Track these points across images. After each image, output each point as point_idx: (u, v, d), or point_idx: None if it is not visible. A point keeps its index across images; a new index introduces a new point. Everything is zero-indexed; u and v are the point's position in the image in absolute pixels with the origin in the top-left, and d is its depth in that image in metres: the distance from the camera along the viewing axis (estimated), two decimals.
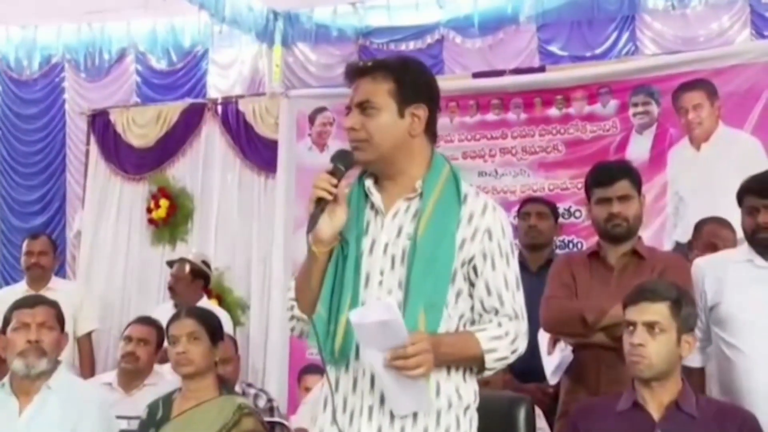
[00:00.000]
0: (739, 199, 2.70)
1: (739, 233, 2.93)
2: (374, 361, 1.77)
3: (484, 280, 1.88)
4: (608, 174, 2.88)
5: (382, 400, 1.84)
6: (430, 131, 1.96)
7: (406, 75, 1.93)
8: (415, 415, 1.83)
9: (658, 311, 2.31)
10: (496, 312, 1.89)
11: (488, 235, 1.89)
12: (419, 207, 1.88)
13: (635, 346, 2.29)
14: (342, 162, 1.90)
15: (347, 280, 1.86)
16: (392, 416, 1.83)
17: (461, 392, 1.89)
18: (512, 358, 1.90)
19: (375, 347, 1.75)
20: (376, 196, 1.93)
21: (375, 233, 1.91)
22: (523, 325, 1.90)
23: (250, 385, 3.91)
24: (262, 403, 3.68)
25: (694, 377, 2.66)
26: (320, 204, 1.85)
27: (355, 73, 1.96)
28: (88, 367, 4.66)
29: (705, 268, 2.75)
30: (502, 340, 1.86)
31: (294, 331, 2.01)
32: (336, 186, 1.86)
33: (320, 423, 1.92)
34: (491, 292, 1.89)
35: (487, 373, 1.91)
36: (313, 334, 1.85)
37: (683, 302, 2.35)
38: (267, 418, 3.37)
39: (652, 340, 2.29)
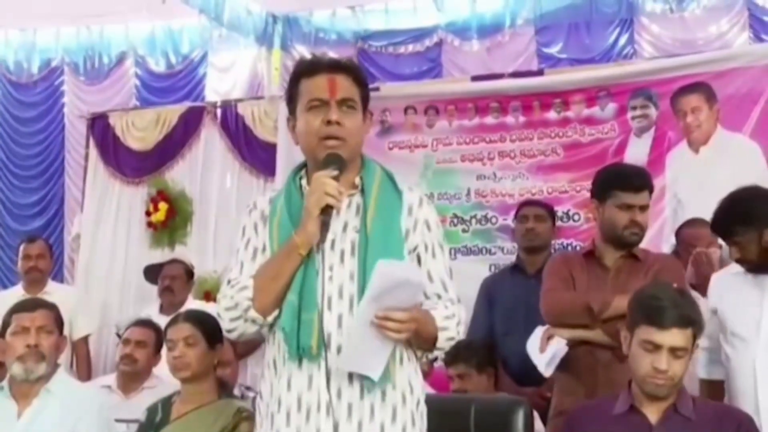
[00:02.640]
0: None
1: None
2: (362, 314, 1.80)
3: (427, 268, 1.96)
4: (638, 180, 2.85)
5: (339, 395, 1.85)
6: None
7: (365, 81, 2.03)
8: (372, 410, 1.85)
9: (686, 337, 2.26)
10: (439, 297, 1.96)
11: (427, 226, 1.98)
12: (360, 202, 1.94)
13: (660, 371, 2.25)
14: (338, 166, 1.92)
15: (298, 276, 1.88)
16: (350, 411, 1.84)
17: (413, 384, 1.93)
18: (453, 342, 1.96)
19: (380, 301, 1.78)
20: None
21: None
22: (464, 312, 1.99)
23: (248, 389, 3.92)
24: None
25: (716, 390, 2.71)
26: (328, 211, 1.87)
27: (335, 67, 1.98)
28: (84, 371, 4.66)
29: (716, 282, 2.78)
30: (452, 320, 1.94)
31: (232, 333, 1.96)
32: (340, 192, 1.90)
33: (276, 425, 1.90)
34: (434, 279, 1.96)
35: (436, 353, 1.97)
36: (279, 332, 1.88)
37: (701, 323, 2.33)
38: None
39: (675, 363, 2.26)
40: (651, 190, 2.88)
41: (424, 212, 1.98)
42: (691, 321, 2.29)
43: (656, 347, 2.26)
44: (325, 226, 1.86)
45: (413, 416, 1.90)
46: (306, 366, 1.87)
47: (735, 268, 2.79)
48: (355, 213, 1.94)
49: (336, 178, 1.88)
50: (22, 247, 4.75)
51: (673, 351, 2.26)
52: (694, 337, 2.30)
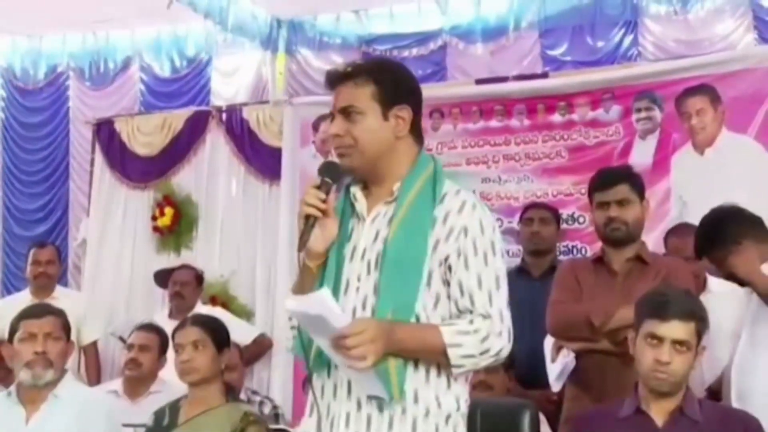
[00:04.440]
0: None
1: None
2: (323, 346, 1.76)
3: (458, 279, 1.82)
4: (607, 178, 2.91)
5: (359, 406, 1.83)
6: (416, 132, 1.94)
7: (387, 77, 1.91)
8: (390, 422, 1.81)
9: (688, 331, 2.28)
10: (470, 312, 1.82)
11: (464, 233, 1.83)
12: (394, 210, 1.86)
13: (662, 363, 2.27)
14: (329, 174, 1.87)
15: (326, 287, 1.84)
16: (369, 422, 1.81)
17: (441, 400, 1.84)
18: (485, 359, 1.81)
19: (316, 335, 1.75)
20: (360, 203, 1.92)
21: (356, 239, 1.89)
22: (499, 326, 1.81)
23: (255, 393, 3.93)
24: (267, 410, 3.70)
25: None
26: (309, 220, 1.83)
27: (335, 79, 1.93)
28: (94, 376, 4.68)
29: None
30: (470, 336, 1.78)
31: (290, 342, 1.97)
32: (325, 201, 1.84)
33: (306, 427, 1.92)
34: (464, 292, 1.82)
35: (456, 371, 1.81)
36: (297, 342, 1.85)
37: (706, 319, 2.34)
38: (272, 425, 3.38)
39: (677, 357, 2.27)
40: (634, 184, 2.87)
41: (463, 218, 1.84)
42: (694, 315, 2.31)
43: (659, 340, 2.28)
44: (304, 235, 1.83)
45: (437, 429, 1.83)
46: (333, 376, 1.87)
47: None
48: (388, 222, 1.86)
49: (320, 187, 1.84)
50: (31, 252, 4.75)
51: (675, 344, 2.27)
52: (698, 334, 2.31)
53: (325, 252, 1.89)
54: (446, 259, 1.83)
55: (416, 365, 1.83)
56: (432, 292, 1.84)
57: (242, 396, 3.68)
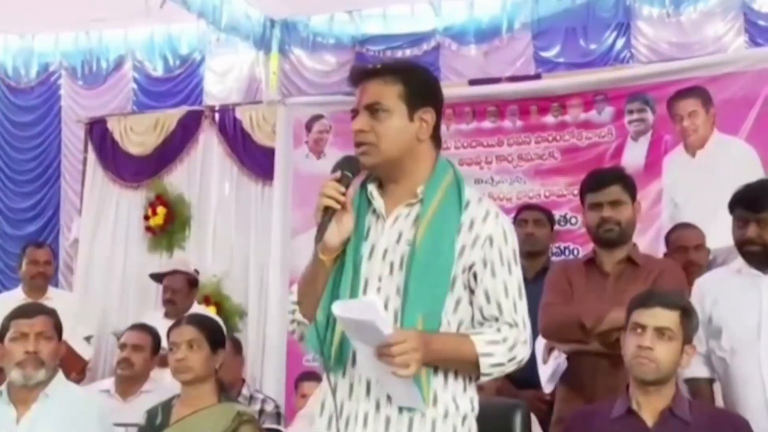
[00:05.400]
0: (730, 208, 2.71)
1: (727, 242, 2.94)
2: (364, 353, 1.77)
3: (484, 287, 1.85)
4: (599, 179, 2.91)
5: (377, 407, 1.83)
6: (437, 136, 1.94)
7: (414, 78, 1.91)
8: (410, 423, 1.82)
9: (670, 318, 2.32)
10: (496, 320, 1.85)
11: (489, 242, 1.85)
12: (419, 212, 1.86)
13: (644, 348, 2.30)
14: (349, 169, 1.86)
15: (344, 286, 1.85)
16: (387, 423, 1.82)
17: (458, 402, 1.86)
18: (510, 367, 1.86)
19: (360, 341, 1.76)
20: (378, 201, 1.91)
21: (375, 238, 1.89)
22: (524, 334, 1.86)
23: (257, 391, 3.93)
24: (270, 408, 3.71)
25: (703, 389, 2.69)
26: (328, 212, 1.82)
27: (362, 75, 1.93)
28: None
29: (703, 285, 2.76)
30: (499, 345, 1.83)
31: (294, 334, 2.00)
32: (344, 194, 1.83)
33: (317, 427, 1.91)
34: (490, 300, 1.85)
35: (483, 379, 1.87)
36: (312, 339, 1.85)
37: (691, 313, 2.38)
38: (274, 425, 3.39)
39: (660, 345, 2.30)
40: (625, 185, 2.87)
41: (488, 227, 1.86)
42: (677, 305, 2.35)
43: (642, 328, 2.32)
44: (322, 227, 1.82)
45: (455, 430, 1.85)
46: (348, 374, 1.87)
47: (723, 270, 2.80)
48: (412, 224, 1.86)
49: (341, 181, 1.84)
50: (28, 251, 4.68)
51: (658, 331, 2.30)
52: (683, 324, 2.33)
53: (340, 246, 1.88)
54: (471, 267, 1.85)
55: (435, 370, 1.84)
56: (454, 295, 1.86)
57: (245, 392, 3.69)
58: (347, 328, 1.76)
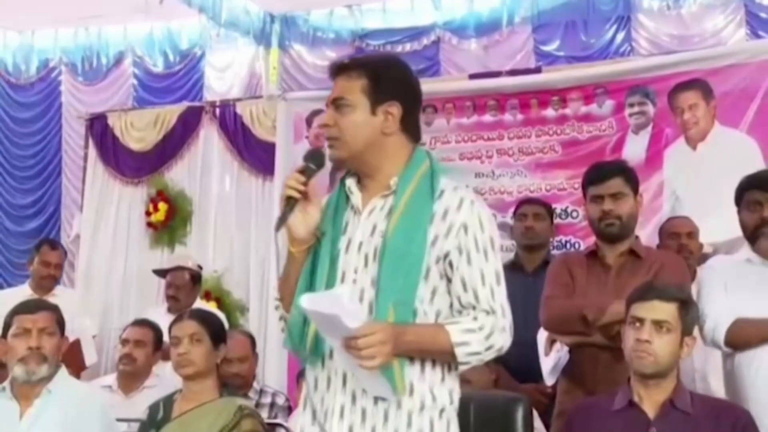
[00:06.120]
0: (739, 195, 2.71)
1: (729, 234, 2.94)
2: (334, 345, 1.78)
3: (460, 275, 1.83)
4: (601, 172, 2.90)
5: (354, 399, 1.83)
6: (410, 129, 1.94)
7: (381, 72, 1.91)
8: (386, 415, 1.81)
9: (668, 311, 2.32)
10: (474, 308, 1.84)
11: (464, 229, 1.84)
12: (392, 204, 1.86)
13: (642, 342, 2.30)
14: (313, 161, 1.90)
15: (320, 279, 1.86)
16: (363, 415, 1.82)
17: (435, 393, 1.85)
18: (489, 355, 1.84)
19: (328, 334, 1.76)
20: (355, 195, 1.92)
21: (351, 232, 1.90)
22: (502, 321, 1.84)
23: (267, 386, 3.95)
24: (281, 401, 3.73)
25: None
26: (290, 203, 1.85)
27: (333, 71, 1.96)
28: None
29: (718, 266, 2.77)
30: (475, 333, 1.81)
31: (284, 331, 1.99)
32: (305, 184, 1.86)
33: (301, 422, 1.92)
34: (467, 288, 1.84)
35: (462, 368, 1.86)
36: (289, 333, 1.87)
37: (690, 305, 2.38)
38: (286, 418, 3.40)
39: (659, 338, 2.30)
40: (627, 178, 2.86)
41: (463, 215, 1.85)
42: (674, 297, 2.35)
43: (640, 321, 2.32)
44: (282, 217, 1.85)
45: (432, 423, 1.83)
46: (327, 367, 1.87)
47: (735, 257, 2.80)
48: (386, 216, 1.86)
49: (304, 172, 1.87)
50: (43, 250, 4.63)
51: (656, 324, 2.30)
52: (682, 317, 2.33)
53: (309, 237, 1.90)
54: (446, 256, 1.84)
55: (412, 359, 1.83)
56: (429, 285, 1.85)
57: (255, 386, 3.70)
58: (316, 320, 1.77)
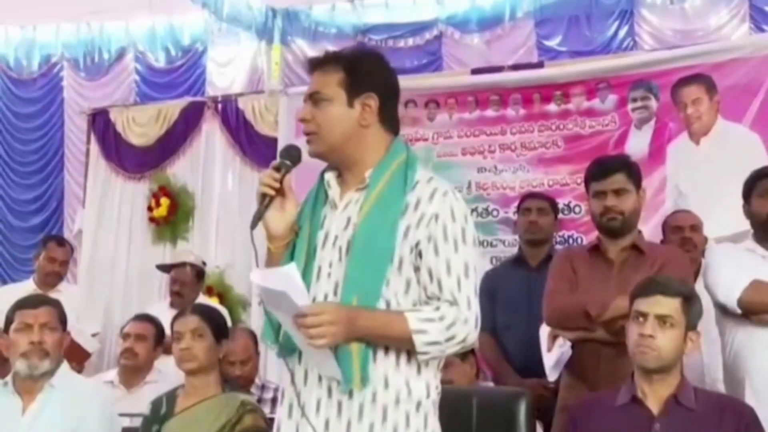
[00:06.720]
0: (749, 187, 2.72)
1: (732, 229, 2.94)
2: (283, 322, 1.77)
3: (427, 265, 1.82)
4: (603, 168, 2.90)
5: (329, 392, 1.82)
6: (388, 121, 1.93)
7: (357, 65, 1.91)
8: (360, 410, 1.80)
9: (671, 306, 2.31)
10: (438, 299, 1.82)
11: (435, 219, 1.82)
12: (365, 196, 1.86)
13: (645, 337, 2.29)
14: (288, 157, 1.90)
15: (306, 276, 1.84)
16: (339, 409, 1.81)
17: (411, 386, 1.82)
18: (451, 347, 1.81)
19: (278, 310, 1.76)
20: (333, 190, 1.92)
21: (328, 226, 1.90)
22: (466, 313, 1.81)
23: (270, 381, 3.95)
24: None
25: None
26: (265, 200, 1.85)
27: (310, 66, 1.96)
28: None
29: (724, 250, 2.82)
30: (435, 323, 1.78)
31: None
32: (281, 180, 1.86)
33: (278, 417, 1.91)
34: (432, 277, 1.81)
35: (422, 358, 1.81)
36: (266, 327, 1.87)
37: (693, 299, 2.37)
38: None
39: (662, 333, 2.30)
40: (630, 173, 2.86)
41: (435, 205, 1.82)
42: (678, 292, 2.34)
43: (643, 316, 2.32)
44: (257, 214, 1.86)
45: (408, 417, 1.81)
46: (303, 361, 1.86)
47: (740, 245, 2.81)
48: (359, 209, 1.86)
49: (279, 169, 1.87)
50: (49, 246, 4.62)
51: (660, 319, 2.30)
52: (685, 311, 2.32)
53: (285, 234, 1.90)
54: (417, 245, 1.82)
55: (386, 351, 1.82)
56: (403, 277, 1.83)
57: (257, 382, 3.70)
58: (265, 296, 1.76)
